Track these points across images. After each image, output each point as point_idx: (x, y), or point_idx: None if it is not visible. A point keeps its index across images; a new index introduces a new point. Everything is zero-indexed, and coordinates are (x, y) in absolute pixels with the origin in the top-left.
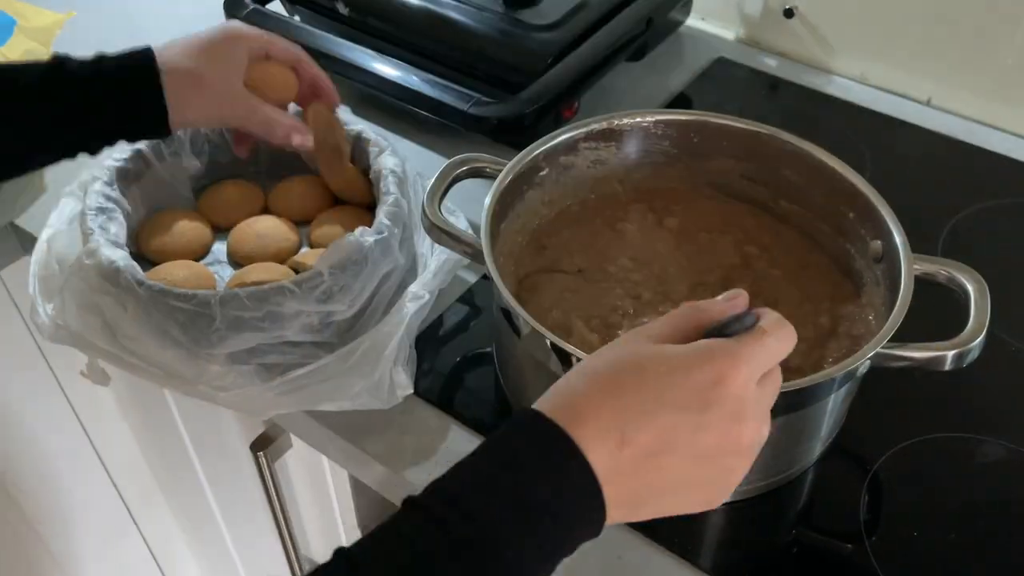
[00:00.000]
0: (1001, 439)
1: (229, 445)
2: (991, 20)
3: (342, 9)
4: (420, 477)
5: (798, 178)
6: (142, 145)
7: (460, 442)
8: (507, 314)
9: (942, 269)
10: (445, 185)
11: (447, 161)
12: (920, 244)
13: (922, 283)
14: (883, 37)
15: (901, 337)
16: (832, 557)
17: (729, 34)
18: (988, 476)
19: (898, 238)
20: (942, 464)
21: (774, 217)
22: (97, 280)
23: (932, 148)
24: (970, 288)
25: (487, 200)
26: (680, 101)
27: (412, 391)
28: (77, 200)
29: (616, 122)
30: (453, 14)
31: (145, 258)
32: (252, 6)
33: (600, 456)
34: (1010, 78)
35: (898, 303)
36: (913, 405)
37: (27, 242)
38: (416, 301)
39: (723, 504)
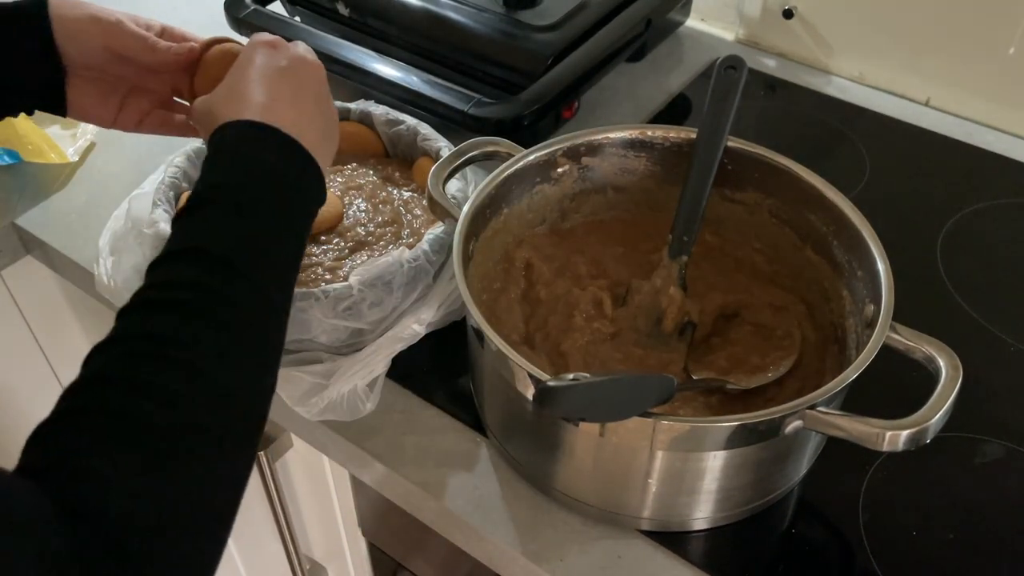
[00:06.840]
0: (1001, 439)
1: None
2: (990, 21)
3: (342, 9)
4: (420, 477)
5: (823, 226)
6: None
7: (460, 442)
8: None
9: (922, 346)
10: (457, 163)
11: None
12: (919, 245)
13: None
14: (882, 38)
15: (856, 408)
16: (832, 557)
17: (728, 35)
18: (988, 476)
19: (884, 305)
20: (942, 464)
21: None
22: (151, 251)
23: (930, 148)
24: (943, 370)
25: (472, 197)
26: (679, 102)
27: (374, 408)
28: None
29: (649, 132)
30: (453, 15)
31: None
32: (252, 6)
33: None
34: (1009, 79)
35: (849, 368)
36: (913, 405)
37: (28, 242)
38: (411, 338)
39: (724, 513)
